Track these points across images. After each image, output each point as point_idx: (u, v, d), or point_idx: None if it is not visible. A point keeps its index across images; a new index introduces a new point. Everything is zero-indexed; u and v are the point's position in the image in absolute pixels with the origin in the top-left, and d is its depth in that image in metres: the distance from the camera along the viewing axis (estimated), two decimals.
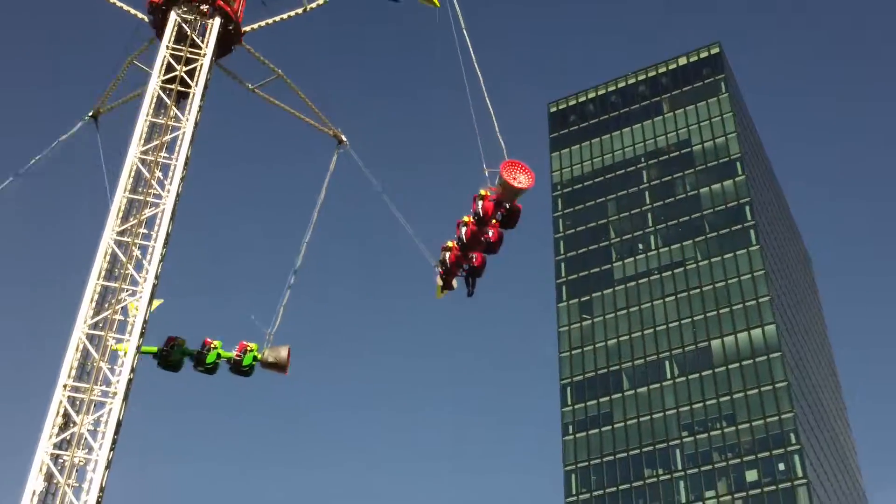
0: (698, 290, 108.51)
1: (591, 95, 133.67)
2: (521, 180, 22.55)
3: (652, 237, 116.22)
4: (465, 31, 25.71)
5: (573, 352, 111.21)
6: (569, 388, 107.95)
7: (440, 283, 24.00)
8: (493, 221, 23.11)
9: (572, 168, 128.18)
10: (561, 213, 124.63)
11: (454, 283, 24.25)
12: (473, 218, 22.94)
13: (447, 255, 23.72)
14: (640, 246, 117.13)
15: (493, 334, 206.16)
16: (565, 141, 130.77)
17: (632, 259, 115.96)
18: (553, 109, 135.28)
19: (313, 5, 29.30)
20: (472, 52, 24.82)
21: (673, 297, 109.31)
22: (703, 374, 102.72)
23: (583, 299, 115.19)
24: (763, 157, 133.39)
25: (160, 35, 28.27)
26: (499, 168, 22.43)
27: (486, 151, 23.01)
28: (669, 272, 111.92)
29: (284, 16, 29.27)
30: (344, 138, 27.93)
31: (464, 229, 23.13)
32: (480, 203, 22.78)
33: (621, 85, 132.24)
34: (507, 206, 22.97)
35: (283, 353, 24.82)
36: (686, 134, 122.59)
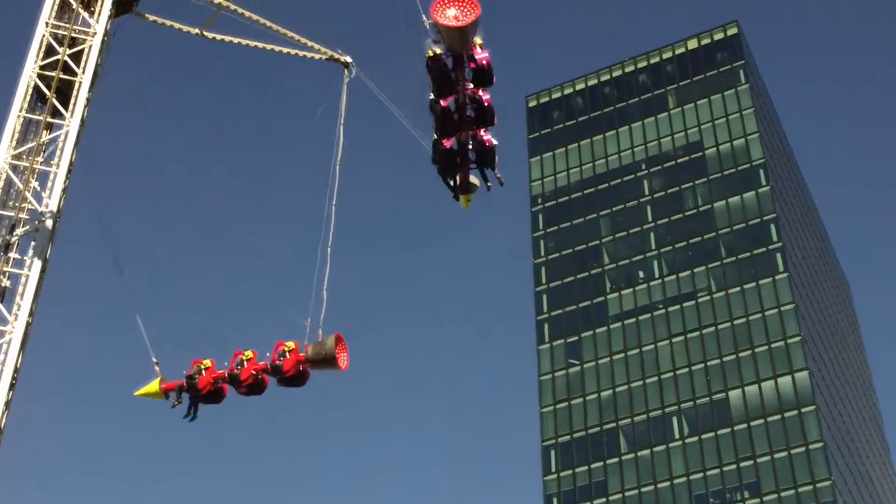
0: (713, 329, 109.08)
1: (580, 87, 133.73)
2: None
3: (655, 263, 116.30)
4: None
5: (558, 406, 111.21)
6: (553, 452, 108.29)
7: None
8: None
9: (556, 177, 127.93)
10: (542, 232, 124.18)
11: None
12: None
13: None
14: (641, 274, 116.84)
15: (456, 382, 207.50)
16: (547, 143, 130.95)
17: (630, 290, 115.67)
18: (532, 104, 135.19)
19: None
20: None
21: (681, 338, 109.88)
22: (720, 432, 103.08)
23: (570, 340, 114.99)
24: (791, 164, 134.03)
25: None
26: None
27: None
28: (677, 306, 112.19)
29: None
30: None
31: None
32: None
33: (617, 74, 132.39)
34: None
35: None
36: (697, 134, 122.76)
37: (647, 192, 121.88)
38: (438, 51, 22.24)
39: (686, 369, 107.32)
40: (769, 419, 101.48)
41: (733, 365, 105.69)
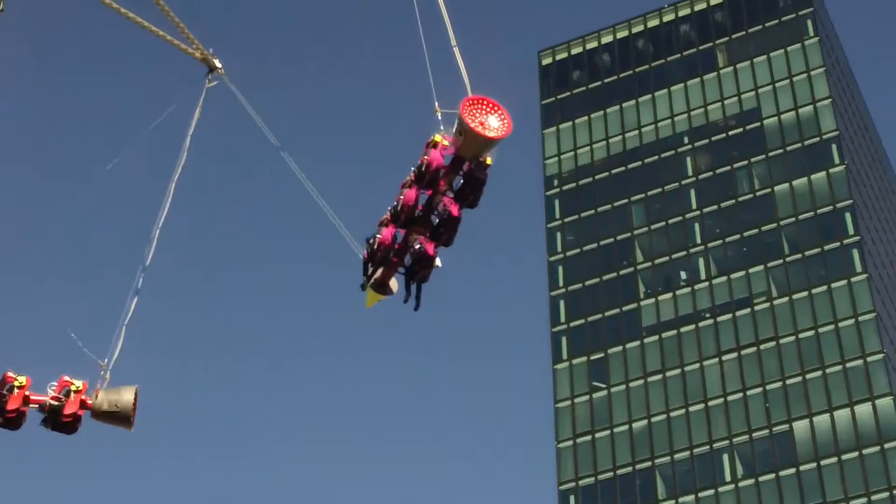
0: (773, 344, 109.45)
1: (606, 40, 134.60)
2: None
3: (700, 261, 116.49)
4: None
5: (579, 441, 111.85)
6: (572, 498, 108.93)
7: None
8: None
9: (576, 153, 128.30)
10: (559, 223, 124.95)
11: (392, 282, 25.17)
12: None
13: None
14: (683, 275, 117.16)
15: (458, 411, 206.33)
16: (565, 111, 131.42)
17: (669, 295, 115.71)
18: (546, 61, 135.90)
19: None
20: None
21: (734, 355, 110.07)
22: (782, 473, 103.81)
23: (593, 358, 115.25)
24: (871, 137, 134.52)
25: None
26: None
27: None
28: (728, 315, 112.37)
29: None
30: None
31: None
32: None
33: (653, 24, 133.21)
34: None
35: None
36: (753, 100, 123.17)
37: (690, 173, 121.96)
38: (443, 141, 23.78)
39: (739, 395, 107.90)
40: (844, 457, 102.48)
41: (799, 389, 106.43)
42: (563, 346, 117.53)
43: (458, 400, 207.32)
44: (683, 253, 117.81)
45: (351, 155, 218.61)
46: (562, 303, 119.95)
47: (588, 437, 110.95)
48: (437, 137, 23.87)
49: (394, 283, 25.00)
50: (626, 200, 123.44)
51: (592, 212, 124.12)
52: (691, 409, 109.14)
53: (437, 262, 24.52)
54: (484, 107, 23.65)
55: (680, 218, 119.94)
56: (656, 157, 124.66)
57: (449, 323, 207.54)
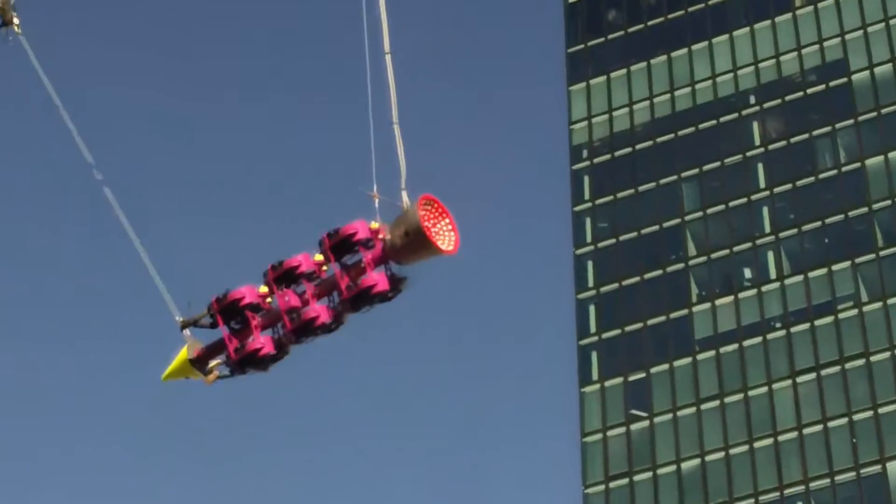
0: (862, 362, 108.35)
1: None
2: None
3: (770, 255, 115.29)
4: None
5: (612, 485, 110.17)
6: None
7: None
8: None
9: (611, 117, 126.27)
10: (588, 205, 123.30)
11: (213, 363, 29.60)
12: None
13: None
14: (748, 272, 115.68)
15: (463, 443, 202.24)
16: (597, 62, 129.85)
17: (729, 299, 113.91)
18: None
19: None
20: None
21: (812, 376, 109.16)
22: None
23: (632, 379, 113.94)
24: None
25: None
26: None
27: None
28: (805, 325, 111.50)
29: None
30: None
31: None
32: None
33: None
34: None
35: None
36: (838, 49, 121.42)
37: (757, 142, 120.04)
38: (380, 228, 28.51)
39: (819, 426, 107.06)
40: None
41: (894, 421, 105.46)
42: (593, 363, 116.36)
43: (463, 431, 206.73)
44: (748, 245, 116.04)
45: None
46: (592, 308, 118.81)
47: (624, 481, 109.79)
48: (375, 224, 27.74)
49: (215, 364, 29.09)
50: (674, 177, 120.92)
51: (632, 191, 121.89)
52: (757, 445, 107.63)
53: (266, 369, 29.16)
54: (435, 210, 27.36)
55: (744, 200, 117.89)
56: (714, 121, 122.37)
57: (450, 334, 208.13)
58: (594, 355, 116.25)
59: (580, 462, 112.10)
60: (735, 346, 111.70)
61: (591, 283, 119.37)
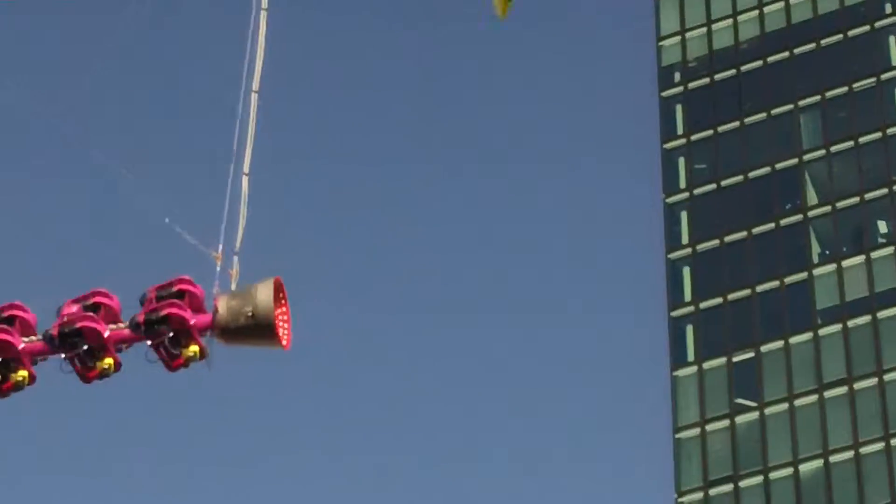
0: None
1: None
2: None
3: None
4: None
5: (712, 492, 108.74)
6: None
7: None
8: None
9: (710, 31, 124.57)
10: (682, 141, 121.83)
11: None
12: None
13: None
14: (883, 226, 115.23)
15: (512, 440, 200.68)
16: None
17: (859, 260, 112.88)
18: None
19: None
20: None
21: None
22: None
23: (737, 360, 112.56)
24: None
25: None
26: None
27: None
28: None
29: None
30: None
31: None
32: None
33: None
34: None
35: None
36: None
37: (893, 61, 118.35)
38: (216, 299, 30.67)
39: None
40: None
41: None
42: (688, 339, 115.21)
43: (517, 426, 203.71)
44: (883, 191, 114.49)
45: None
46: (686, 271, 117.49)
47: (727, 488, 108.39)
48: (220, 304, 30.11)
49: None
50: (790, 106, 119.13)
51: (737, 124, 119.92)
52: (895, 441, 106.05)
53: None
54: (281, 299, 30.27)
55: (878, 135, 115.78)
56: (840, 35, 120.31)
57: (499, 294, 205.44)
58: (689, 330, 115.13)
59: (672, 464, 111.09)
60: (867, 318, 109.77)
61: (685, 240, 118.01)
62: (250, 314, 29.59)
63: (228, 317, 30.21)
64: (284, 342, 30.72)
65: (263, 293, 29.98)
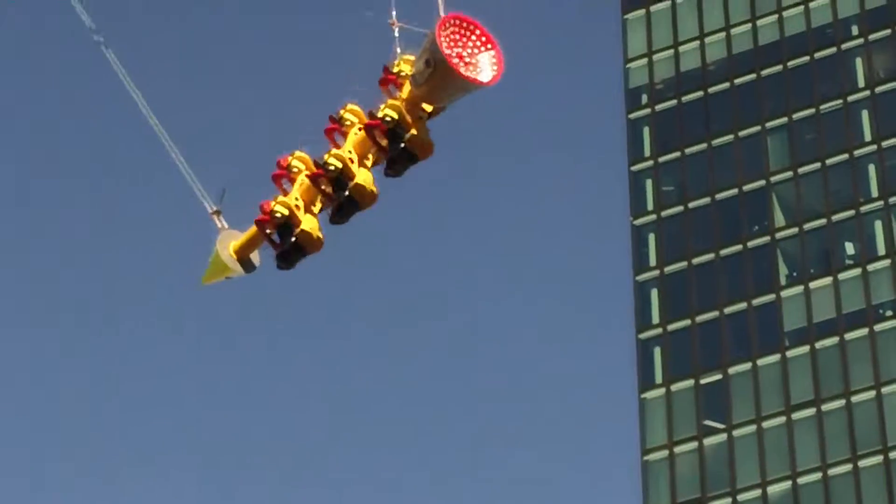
0: None
1: None
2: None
3: (878, 225, 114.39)
4: None
5: None
6: None
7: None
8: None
9: (677, 52, 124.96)
10: (650, 163, 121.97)
11: (254, 255, 29.93)
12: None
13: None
14: (850, 247, 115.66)
15: (505, 464, 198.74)
16: None
17: (828, 281, 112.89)
18: None
19: None
20: None
21: None
22: None
23: (704, 381, 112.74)
24: None
25: None
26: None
27: None
28: None
29: None
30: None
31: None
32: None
33: None
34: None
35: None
36: None
37: (861, 83, 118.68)
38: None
39: None
40: None
41: None
42: (656, 361, 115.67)
43: (502, 444, 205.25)
44: (851, 213, 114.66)
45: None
46: (654, 292, 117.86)
47: None
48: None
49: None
50: (757, 128, 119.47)
51: (704, 146, 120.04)
52: (862, 463, 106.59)
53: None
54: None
55: (845, 156, 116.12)
56: (807, 57, 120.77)
57: (464, 320, 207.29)
58: (657, 352, 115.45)
59: (640, 486, 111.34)
60: (835, 339, 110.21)
61: (653, 262, 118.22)
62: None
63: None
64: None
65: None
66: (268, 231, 29.01)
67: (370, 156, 28.22)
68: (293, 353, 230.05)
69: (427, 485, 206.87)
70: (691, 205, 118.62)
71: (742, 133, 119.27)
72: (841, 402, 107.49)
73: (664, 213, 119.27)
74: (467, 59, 26.40)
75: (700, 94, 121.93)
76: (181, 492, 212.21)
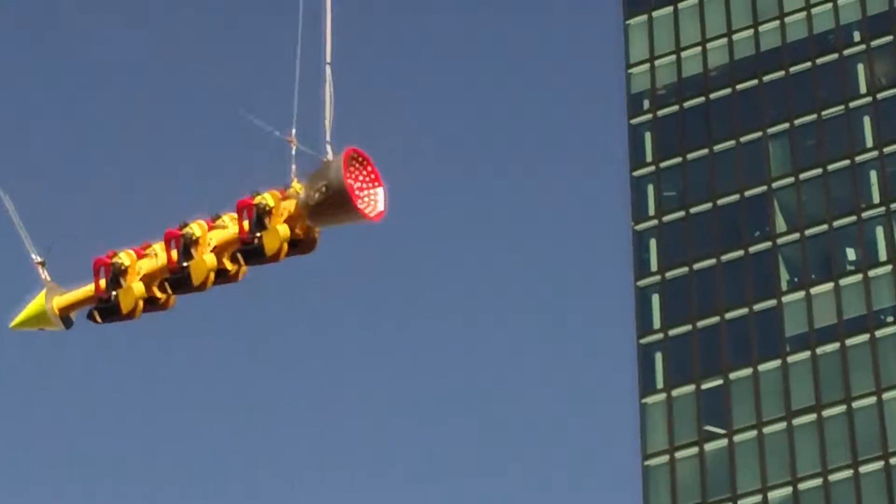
0: None
1: None
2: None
3: (880, 231, 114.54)
4: None
5: None
6: None
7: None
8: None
9: (679, 58, 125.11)
10: (651, 169, 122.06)
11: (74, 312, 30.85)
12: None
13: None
14: (852, 253, 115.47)
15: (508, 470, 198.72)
16: None
17: (829, 286, 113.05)
18: None
19: None
20: None
21: None
22: None
23: (705, 386, 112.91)
24: None
25: None
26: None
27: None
28: None
29: None
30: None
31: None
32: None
33: None
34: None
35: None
36: None
37: (862, 89, 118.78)
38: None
39: None
40: None
41: None
42: (657, 366, 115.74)
43: (505, 449, 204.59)
44: (852, 219, 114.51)
45: None
46: (655, 298, 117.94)
47: None
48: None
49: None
50: (759, 133, 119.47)
51: (705, 151, 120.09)
52: (863, 469, 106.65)
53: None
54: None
55: (846, 162, 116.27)
56: (809, 63, 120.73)
57: (472, 319, 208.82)
58: (658, 357, 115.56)
59: (641, 491, 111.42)
60: (836, 345, 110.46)
61: (654, 267, 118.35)
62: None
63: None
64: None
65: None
66: (100, 277, 29.57)
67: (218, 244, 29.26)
68: (293, 353, 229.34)
69: (427, 486, 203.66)
70: (692, 210, 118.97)
71: (743, 139, 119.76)
72: (842, 408, 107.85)
73: (665, 219, 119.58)
74: (358, 193, 28.14)
75: (701, 99, 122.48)
76: (182, 492, 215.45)
